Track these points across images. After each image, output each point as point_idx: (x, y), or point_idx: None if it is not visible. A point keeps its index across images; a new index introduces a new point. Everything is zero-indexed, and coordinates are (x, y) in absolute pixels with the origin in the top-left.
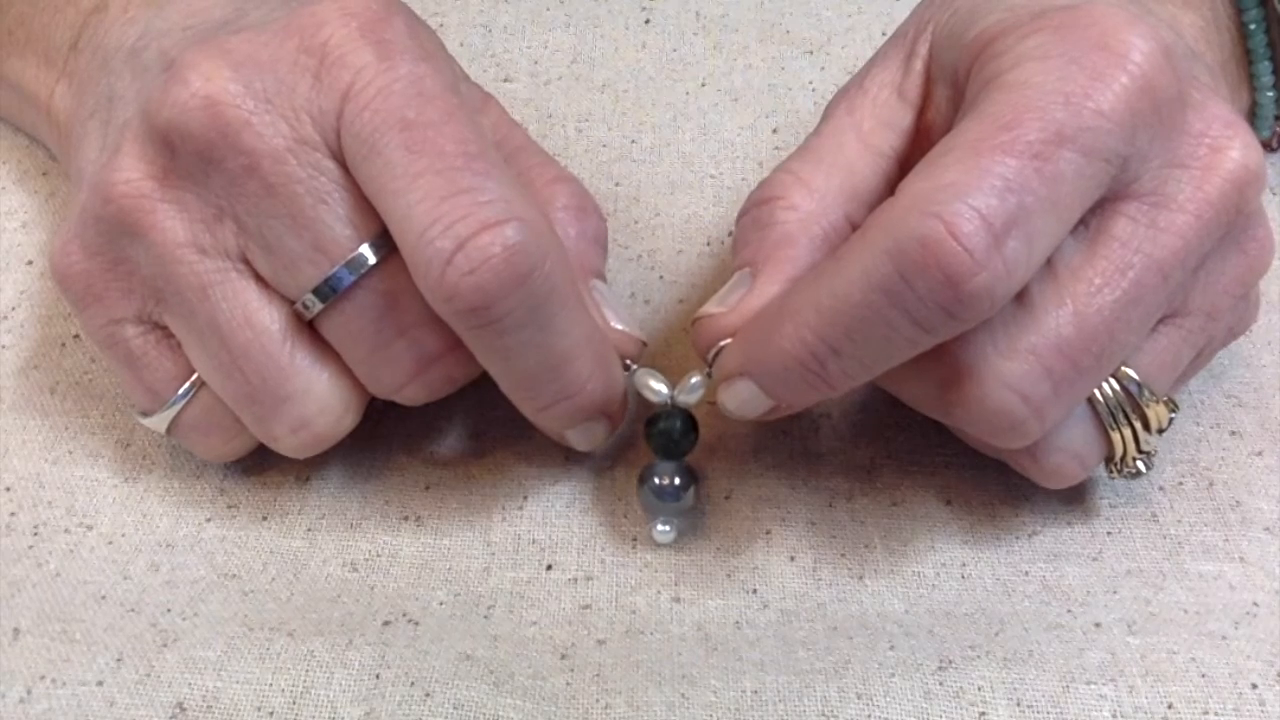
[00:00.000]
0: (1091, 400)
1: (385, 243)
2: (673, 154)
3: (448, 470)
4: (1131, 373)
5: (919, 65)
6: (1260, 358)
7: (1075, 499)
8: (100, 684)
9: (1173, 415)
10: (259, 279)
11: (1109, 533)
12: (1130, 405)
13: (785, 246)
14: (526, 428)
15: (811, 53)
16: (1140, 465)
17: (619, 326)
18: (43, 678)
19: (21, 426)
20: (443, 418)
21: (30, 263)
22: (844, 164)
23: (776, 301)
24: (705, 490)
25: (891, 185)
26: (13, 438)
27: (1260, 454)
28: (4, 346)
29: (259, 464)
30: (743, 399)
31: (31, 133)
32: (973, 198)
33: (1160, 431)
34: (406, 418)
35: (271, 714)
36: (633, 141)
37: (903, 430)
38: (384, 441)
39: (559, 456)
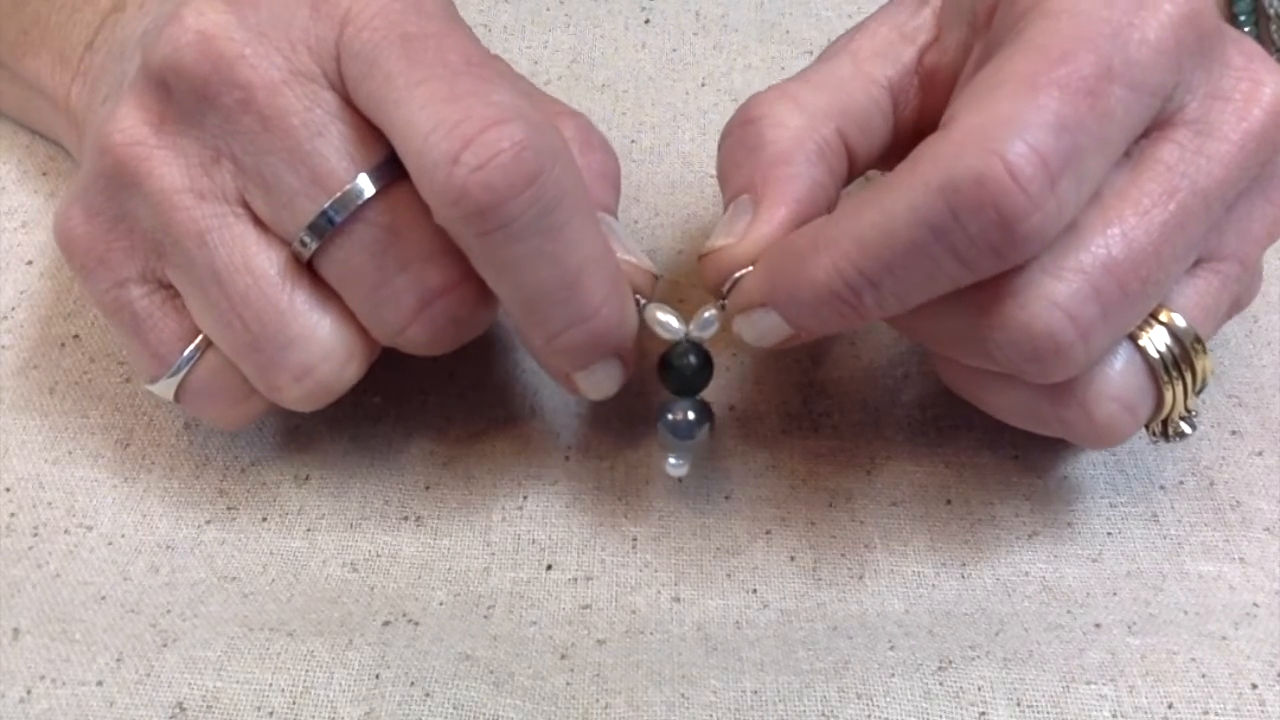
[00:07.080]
0: (1143, 352)
1: (384, 174)
2: (673, 154)
3: (448, 470)
4: (1179, 319)
5: (928, 12)
6: (1260, 358)
7: (1075, 499)
8: (100, 684)
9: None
10: (258, 223)
11: (1109, 533)
12: (1182, 356)
13: (780, 165)
14: (527, 428)
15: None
16: (1185, 426)
17: (628, 258)
18: (43, 678)
19: (21, 426)
20: (443, 417)
21: (30, 263)
22: (834, 82)
23: (808, 231)
24: (709, 492)
25: (883, 112)
26: (13, 438)
27: (1260, 454)
28: (4, 346)
29: (258, 464)
30: (763, 328)
31: (47, 131)
32: (1030, 134)
33: (1200, 391)
34: (407, 417)
35: (271, 714)
36: (633, 141)
37: (902, 430)
38: (384, 441)
39: (559, 456)
